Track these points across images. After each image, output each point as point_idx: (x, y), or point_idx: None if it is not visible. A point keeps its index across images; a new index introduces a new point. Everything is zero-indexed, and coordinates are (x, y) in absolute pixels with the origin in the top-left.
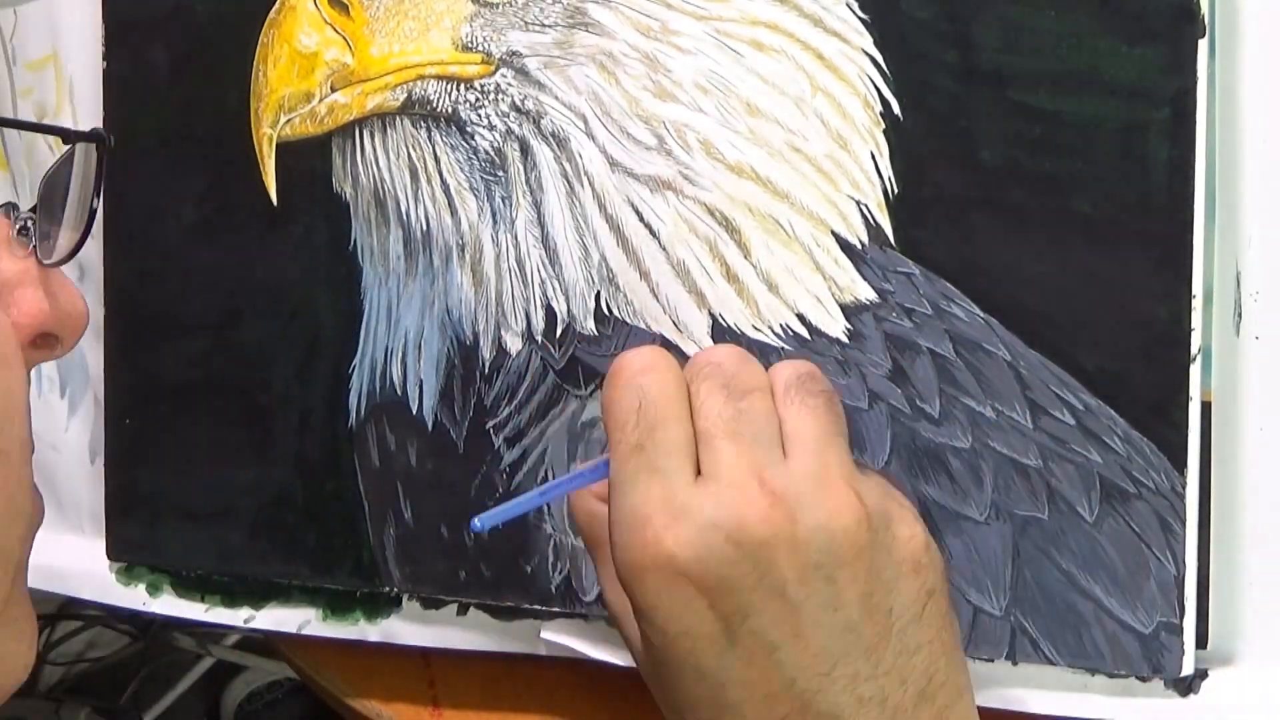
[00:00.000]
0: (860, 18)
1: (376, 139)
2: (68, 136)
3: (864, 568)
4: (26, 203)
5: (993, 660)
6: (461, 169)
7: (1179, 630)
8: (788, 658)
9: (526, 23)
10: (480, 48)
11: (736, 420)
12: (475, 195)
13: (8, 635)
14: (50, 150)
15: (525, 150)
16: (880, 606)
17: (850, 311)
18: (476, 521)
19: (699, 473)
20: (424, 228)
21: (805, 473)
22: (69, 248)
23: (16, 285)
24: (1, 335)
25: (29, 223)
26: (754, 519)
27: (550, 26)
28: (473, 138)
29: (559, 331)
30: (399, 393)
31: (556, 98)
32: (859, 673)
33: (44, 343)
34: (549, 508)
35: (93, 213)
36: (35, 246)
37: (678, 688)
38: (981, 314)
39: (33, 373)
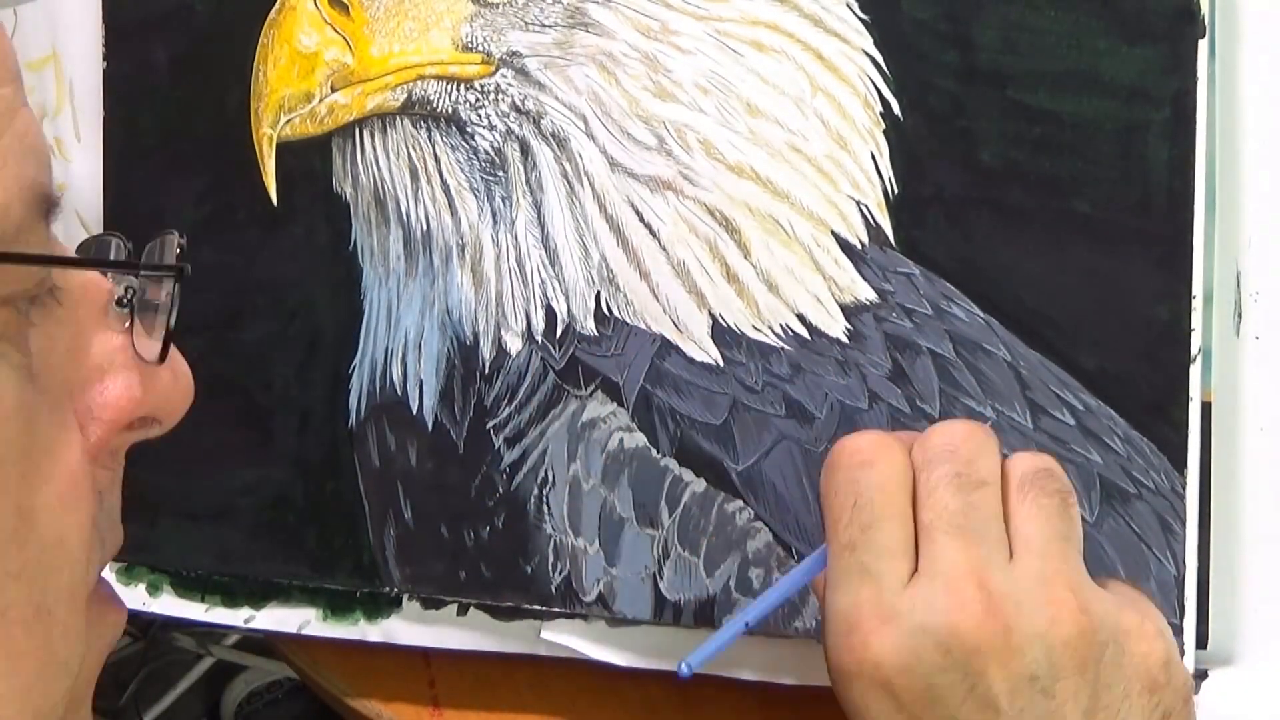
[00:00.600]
0: (860, 18)
1: (377, 139)
2: (152, 270)
3: (1087, 682)
4: None
5: None
6: (461, 169)
7: (1179, 630)
8: None
9: (526, 23)
10: (480, 48)
11: (964, 515)
12: (475, 195)
13: None
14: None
15: (525, 150)
16: None
17: (850, 312)
18: (684, 667)
19: (916, 568)
20: (424, 228)
21: (1028, 576)
22: (159, 345)
23: (107, 370)
24: (65, 471)
25: (131, 294)
26: (967, 625)
27: (550, 27)
28: (473, 138)
29: (559, 331)
30: (399, 393)
31: (557, 98)
32: None
33: (138, 425)
34: (549, 507)
35: (169, 334)
36: (133, 323)
37: None
38: (981, 314)
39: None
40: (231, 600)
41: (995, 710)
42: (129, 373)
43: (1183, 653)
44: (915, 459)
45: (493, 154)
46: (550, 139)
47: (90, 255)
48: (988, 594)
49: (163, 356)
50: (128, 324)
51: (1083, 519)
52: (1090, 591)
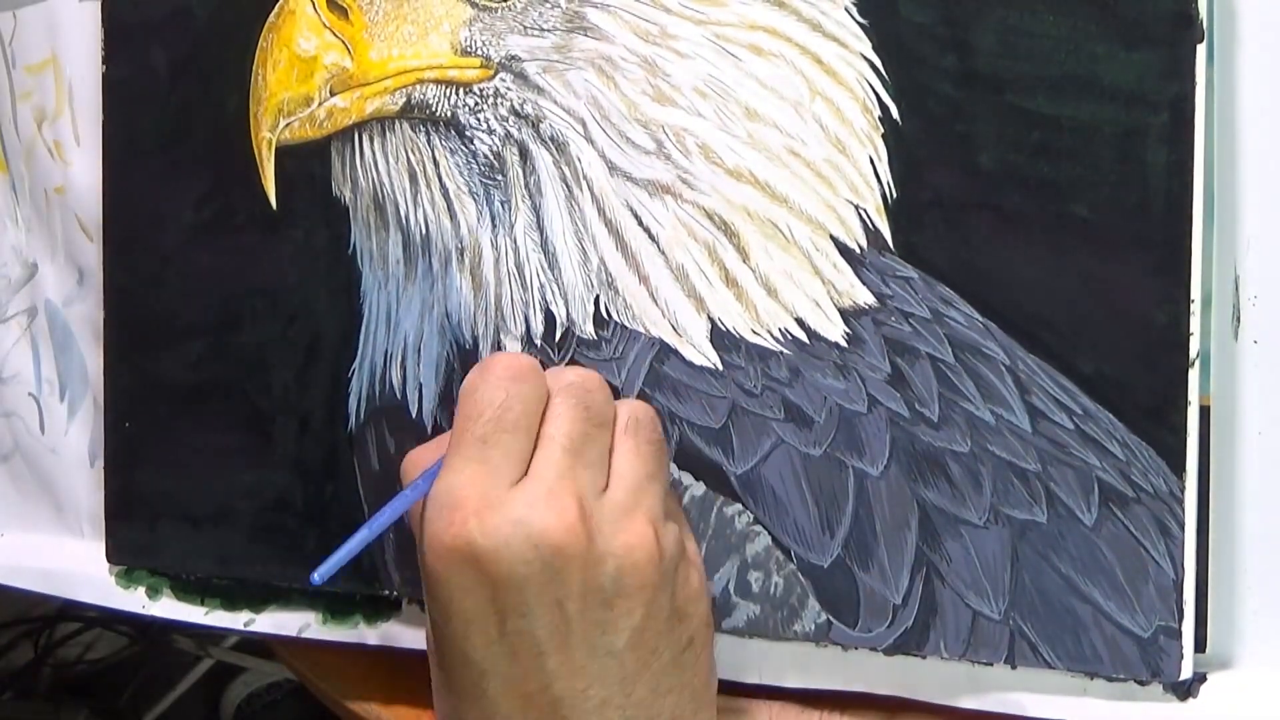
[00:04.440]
0: (859, 22)
1: (376, 143)
2: None
3: (642, 603)
4: (26, 209)
5: (991, 664)
6: (460, 173)
7: (1178, 634)
8: (550, 664)
9: (525, 27)
10: (479, 52)
11: (582, 441)
12: (474, 199)
13: None
14: (51, 156)
15: (524, 154)
16: (647, 644)
17: (849, 316)
18: (315, 576)
19: (527, 473)
20: (423, 231)
21: (616, 504)
22: None
23: None
24: None
25: None
26: (558, 528)
27: (549, 31)
28: (472, 142)
29: (558, 335)
30: (398, 396)
31: (555, 102)
32: (610, 698)
33: None
34: None
35: None
36: None
37: (446, 669)
38: (980, 318)
39: (32, 376)
40: (231, 603)
41: (561, 609)
42: None
43: (1181, 656)
44: (551, 384)
45: (492, 158)
46: (549, 143)
47: None
48: (582, 509)
49: None
50: None
51: (1081, 522)
52: (661, 524)
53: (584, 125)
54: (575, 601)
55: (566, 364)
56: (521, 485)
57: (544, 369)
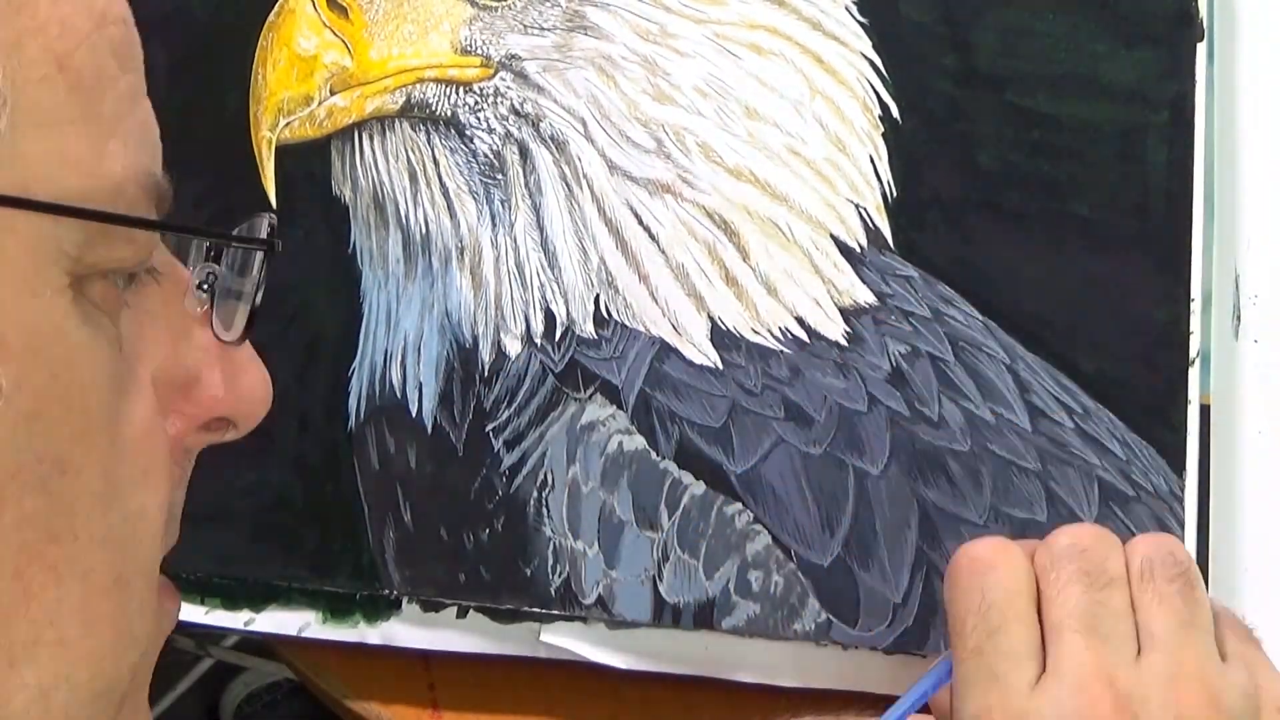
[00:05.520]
0: (859, 21)
1: (375, 142)
2: (244, 241)
3: None
4: None
5: None
6: (461, 172)
7: None
8: None
9: (525, 26)
10: (479, 51)
11: (1092, 614)
12: (474, 198)
13: None
14: None
15: (524, 153)
16: None
17: (849, 314)
18: None
19: (1044, 669)
20: (423, 231)
21: (1156, 673)
22: (239, 331)
23: (192, 365)
24: (150, 447)
25: (211, 278)
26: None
27: (549, 30)
28: (472, 141)
29: (558, 334)
30: (398, 395)
31: (555, 101)
32: None
33: (214, 425)
34: (548, 509)
35: (254, 312)
36: (214, 310)
37: None
38: (980, 317)
39: None
40: (231, 603)
41: None
42: (213, 371)
43: None
44: (1039, 561)
45: (492, 157)
46: (549, 142)
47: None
48: (1115, 693)
49: (245, 335)
50: (206, 307)
51: (1081, 521)
52: (1219, 680)
53: (584, 124)
54: None
55: (565, 363)
56: (1042, 686)
57: (1033, 542)
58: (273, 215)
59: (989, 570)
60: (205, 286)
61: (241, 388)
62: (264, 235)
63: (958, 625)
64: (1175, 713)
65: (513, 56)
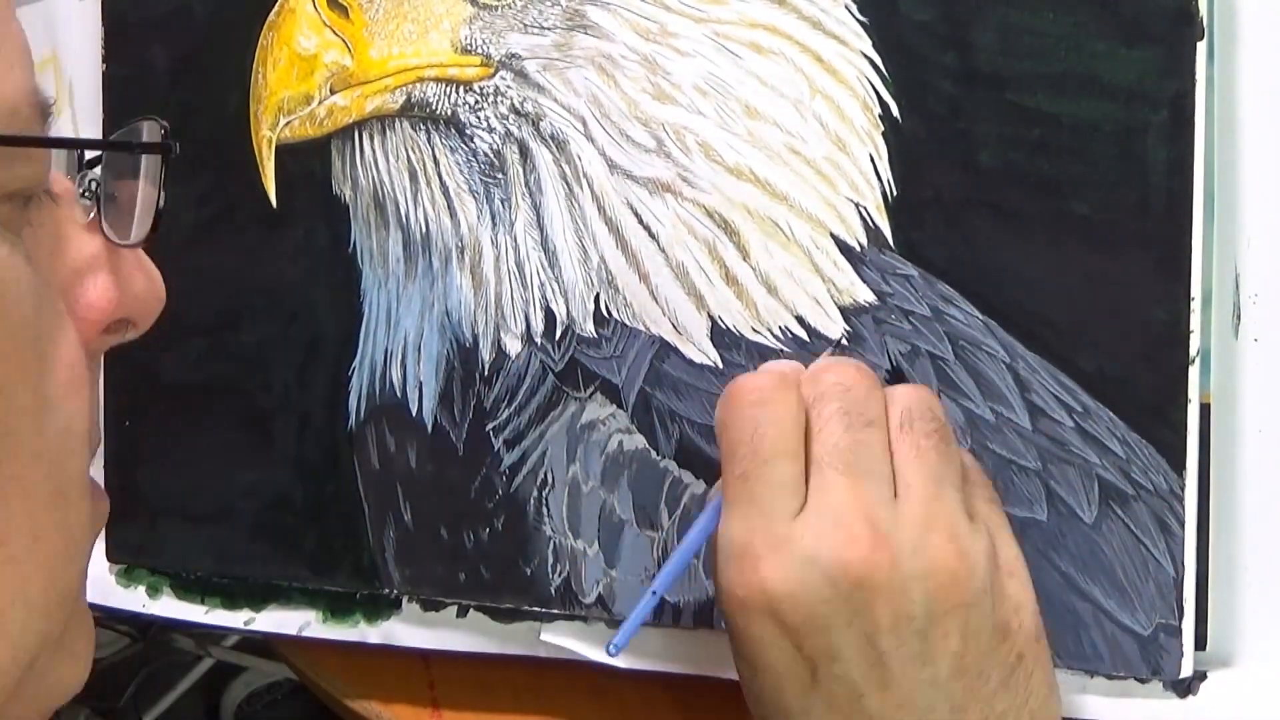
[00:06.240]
0: (859, 20)
1: (376, 141)
2: (135, 149)
3: (958, 625)
4: None
5: None
6: (461, 171)
7: (1178, 632)
8: (872, 706)
9: (525, 25)
10: (479, 50)
11: (853, 452)
12: (474, 197)
13: (64, 659)
14: None
15: (524, 152)
16: (971, 668)
17: (849, 314)
18: (611, 648)
19: (806, 501)
20: (423, 230)
21: (910, 518)
22: (142, 234)
23: (86, 272)
24: (67, 357)
25: (94, 186)
26: (854, 558)
27: (549, 29)
28: (472, 140)
29: (558, 333)
30: (399, 395)
31: (556, 100)
32: None
33: (114, 328)
34: (548, 508)
35: (159, 214)
36: (102, 216)
37: None
38: (980, 315)
39: None
40: (231, 602)
41: (873, 644)
42: (106, 275)
43: (1181, 654)
44: (807, 393)
45: (492, 156)
46: (549, 141)
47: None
48: (874, 530)
49: (150, 239)
50: (94, 215)
51: (1081, 520)
52: (967, 539)
53: (584, 123)
54: (887, 636)
55: (565, 362)
56: (803, 517)
57: (801, 369)
58: (163, 122)
59: (764, 404)
60: (89, 194)
61: (134, 287)
62: (153, 139)
63: (729, 452)
64: (927, 557)
65: (513, 55)
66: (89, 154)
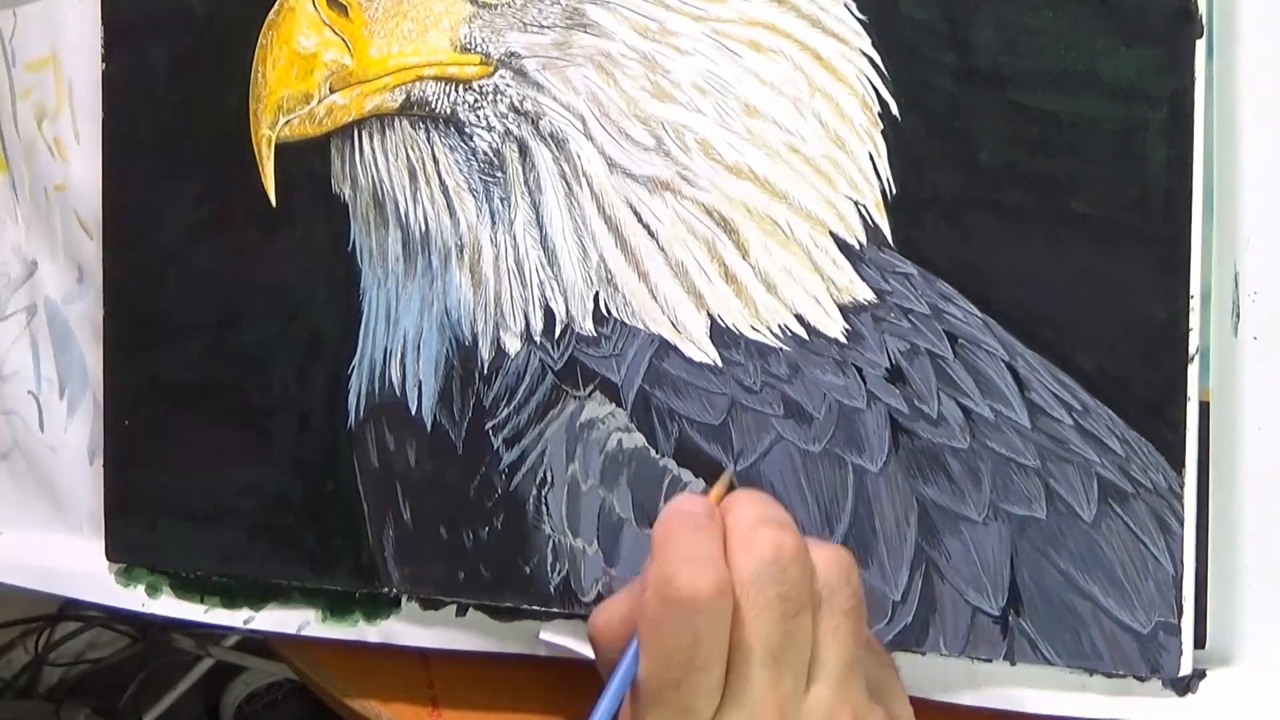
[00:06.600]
0: (858, 18)
1: (375, 140)
2: None
3: None
4: (26, 207)
5: (991, 660)
6: (460, 170)
7: (1177, 630)
8: None
9: (525, 24)
10: (479, 49)
11: (781, 646)
12: (474, 196)
13: None
14: (50, 153)
15: (524, 151)
16: None
17: (849, 312)
18: None
19: (724, 694)
20: (423, 229)
21: (820, 703)
22: None
23: None
24: None
25: None
26: None
27: (549, 27)
28: (471, 139)
29: (557, 332)
30: (398, 393)
31: (555, 99)
32: None
33: None
34: (548, 507)
35: None
36: None
37: None
38: (979, 314)
39: (32, 373)
40: (231, 601)
41: None
42: None
43: (1180, 652)
44: (740, 574)
45: (491, 155)
46: (548, 140)
47: None
48: None
49: None
50: None
51: (1081, 518)
52: (867, 713)
53: (583, 122)
54: None
55: (565, 360)
56: (721, 714)
57: (715, 511)
58: None
59: (706, 612)
60: None
61: None
62: None
63: (664, 655)
64: None
65: (512, 54)
66: None
